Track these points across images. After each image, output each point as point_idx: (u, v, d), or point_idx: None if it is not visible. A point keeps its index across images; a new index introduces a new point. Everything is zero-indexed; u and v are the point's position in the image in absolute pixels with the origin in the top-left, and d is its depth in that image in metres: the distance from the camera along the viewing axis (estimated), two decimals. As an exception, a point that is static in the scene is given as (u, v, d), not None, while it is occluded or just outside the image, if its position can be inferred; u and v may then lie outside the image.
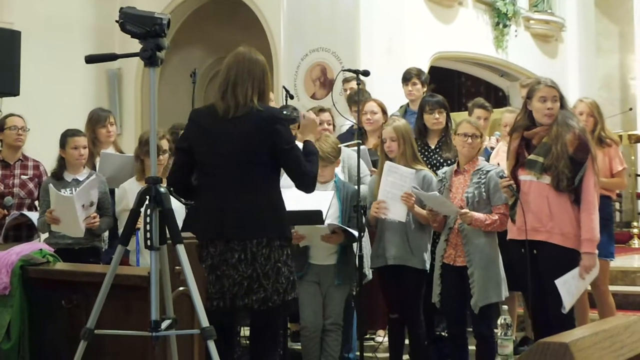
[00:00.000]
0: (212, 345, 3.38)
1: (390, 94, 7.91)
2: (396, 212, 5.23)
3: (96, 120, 6.44)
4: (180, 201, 4.12)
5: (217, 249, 3.94)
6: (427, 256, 5.29)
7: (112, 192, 5.88)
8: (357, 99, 6.04)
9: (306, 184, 4.09)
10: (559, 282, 4.54)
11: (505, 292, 5.04)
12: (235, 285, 3.91)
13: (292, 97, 7.28)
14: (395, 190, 5.19)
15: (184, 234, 3.62)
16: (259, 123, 3.94)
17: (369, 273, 5.50)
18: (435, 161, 5.79)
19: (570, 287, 4.57)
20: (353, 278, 5.30)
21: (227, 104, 3.97)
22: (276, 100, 9.31)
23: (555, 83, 4.78)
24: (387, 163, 5.28)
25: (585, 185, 4.59)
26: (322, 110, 6.22)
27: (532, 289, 4.66)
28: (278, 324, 4.29)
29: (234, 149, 3.94)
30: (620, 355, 1.00)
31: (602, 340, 0.98)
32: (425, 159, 5.74)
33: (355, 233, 5.13)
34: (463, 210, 4.93)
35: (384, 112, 6.62)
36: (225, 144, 3.95)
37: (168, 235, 3.39)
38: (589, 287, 5.52)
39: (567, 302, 4.56)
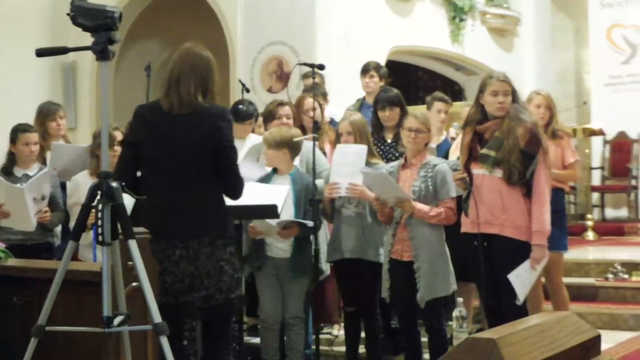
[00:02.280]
0: (164, 340, 3.37)
1: (346, 88, 7.92)
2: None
3: (46, 113, 6.38)
4: (132, 196, 4.07)
5: (159, 245, 3.93)
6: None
7: (62, 185, 5.81)
8: (313, 93, 6.02)
9: (234, 190, 4.05)
10: (512, 277, 4.59)
11: (453, 286, 5.04)
12: (177, 282, 3.90)
13: (248, 91, 7.27)
14: (347, 168, 5.14)
15: (136, 229, 3.60)
16: (203, 121, 3.92)
17: (326, 268, 5.51)
18: (391, 155, 5.80)
19: (523, 279, 4.62)
20: (310, 271, 5.29)
21: (171, 100, 3.94)
22: (233, 93, 9.31)
23: (507, 77, 4.80)
24: (338, 145, 5.30)
25: (536, 178, 4.64)
26: (281, 104, 6.17)
27: (485, 282, 4.70)
28: (227, 322, 4.24)
29: (178, 147, 3.91)
30: (550, 350, 1.00)
31: (533, 335, 0.98)
32: (381, 153, 5.76)
33: (310, 223, 5.13)
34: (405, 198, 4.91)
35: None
36: (170, 141, 3.93)
37: (120, 231, 3.37)
38: (543, 279, 5.59)
39: (521, 294, 4.63)
